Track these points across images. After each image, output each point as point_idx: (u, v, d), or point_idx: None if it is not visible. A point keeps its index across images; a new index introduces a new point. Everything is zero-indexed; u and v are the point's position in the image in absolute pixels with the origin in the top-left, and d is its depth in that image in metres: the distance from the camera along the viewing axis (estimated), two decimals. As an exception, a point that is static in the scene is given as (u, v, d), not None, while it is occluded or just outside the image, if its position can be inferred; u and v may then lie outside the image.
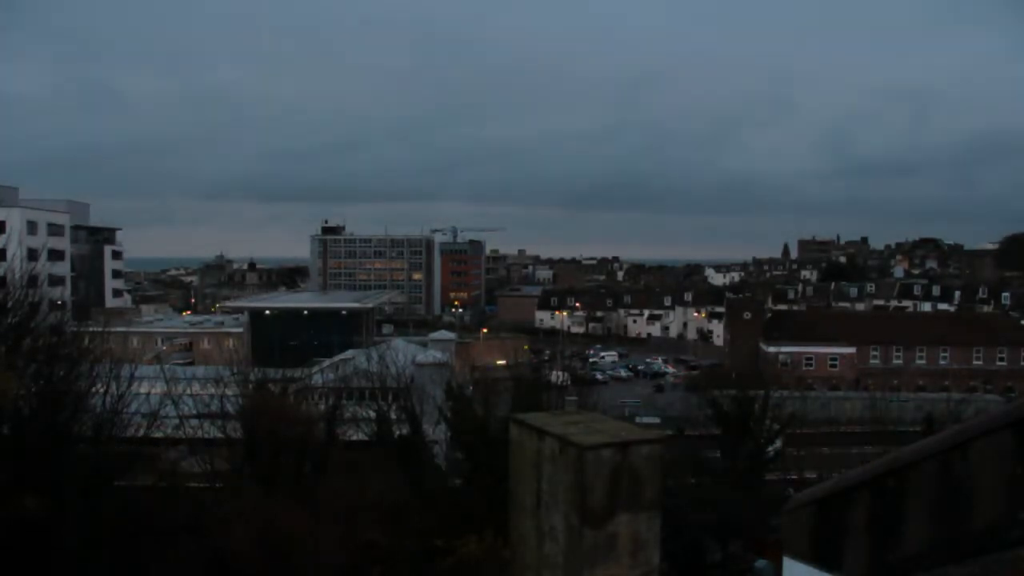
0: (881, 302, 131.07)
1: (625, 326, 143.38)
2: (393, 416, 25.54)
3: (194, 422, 23.13)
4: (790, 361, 71.03)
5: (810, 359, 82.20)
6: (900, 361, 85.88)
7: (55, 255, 76.99)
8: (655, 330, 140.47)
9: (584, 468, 3.77)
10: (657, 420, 49.28)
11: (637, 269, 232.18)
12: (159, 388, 25.54)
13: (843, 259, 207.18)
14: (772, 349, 78.88)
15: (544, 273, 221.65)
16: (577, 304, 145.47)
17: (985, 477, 4.11)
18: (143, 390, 22.55)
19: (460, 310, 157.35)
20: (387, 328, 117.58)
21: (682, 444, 28.05)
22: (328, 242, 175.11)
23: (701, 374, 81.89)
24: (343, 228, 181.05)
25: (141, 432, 19.83)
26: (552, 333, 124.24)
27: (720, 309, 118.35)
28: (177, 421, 23.27)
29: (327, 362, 47.10)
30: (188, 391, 26.02)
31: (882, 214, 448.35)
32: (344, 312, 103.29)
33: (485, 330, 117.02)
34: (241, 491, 18.31)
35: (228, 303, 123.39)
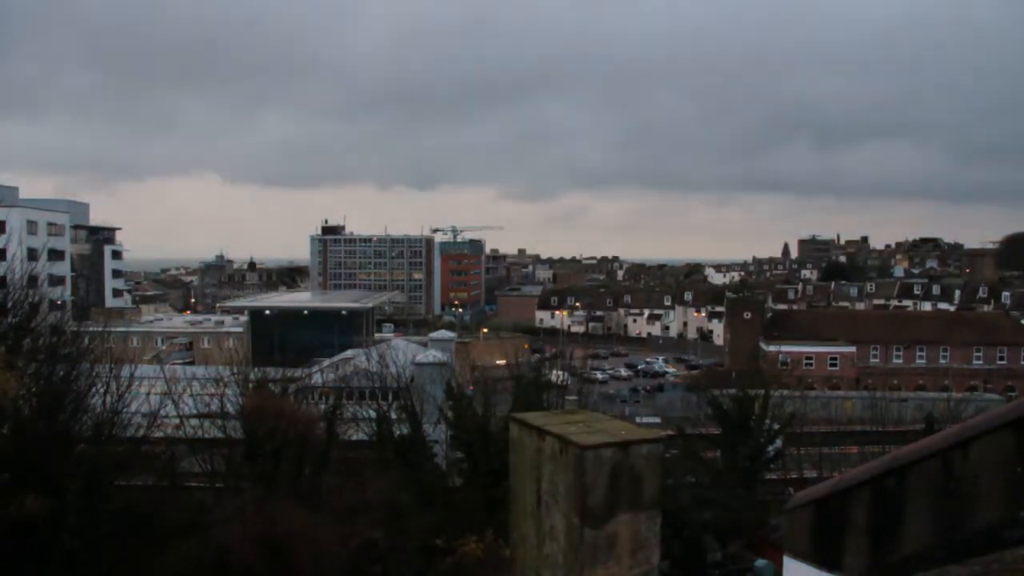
0: (881, 301, 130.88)
1: (625, 325, 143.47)
2: (393, 416, 25.52)
3: (194, 422, 23.13)
4: (790, 360, 70.90)
5: (810, 359, 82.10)
6: (900, 361, 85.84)
7: (55, 255, 76.82)
8: (655, 329, 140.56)
9: (584, 468, 3.77)
10: (657, 420, 49.26)
11: (637, 269, 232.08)
12: (159, 388, 25.55)
13: (843, 258, 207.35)
14: (772, 348, 78.69)
15: (544, 273, 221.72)
16: (577, 304, 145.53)
17: (985, 477, 4.11)
18: (143, 390, 22.56)
19: (460, 310, 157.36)
20: (387, 328, 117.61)
21: (682, 444, 27.96)
22: (328, 242, 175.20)
23: (701, 373, 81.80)
24: (343, 228, 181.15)
25: (141, 432, 19.83)
26: (552, 333, 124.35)
27: (720, 309, 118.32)
28: (177, 421, 23.29)
29: (327, 362, 47.09)
30: (188, 391, 26.05)
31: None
32: (344, 312, 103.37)
33: (485, 330, 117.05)
34: (241, 491, 18.33)
35: (228, 303, 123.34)
